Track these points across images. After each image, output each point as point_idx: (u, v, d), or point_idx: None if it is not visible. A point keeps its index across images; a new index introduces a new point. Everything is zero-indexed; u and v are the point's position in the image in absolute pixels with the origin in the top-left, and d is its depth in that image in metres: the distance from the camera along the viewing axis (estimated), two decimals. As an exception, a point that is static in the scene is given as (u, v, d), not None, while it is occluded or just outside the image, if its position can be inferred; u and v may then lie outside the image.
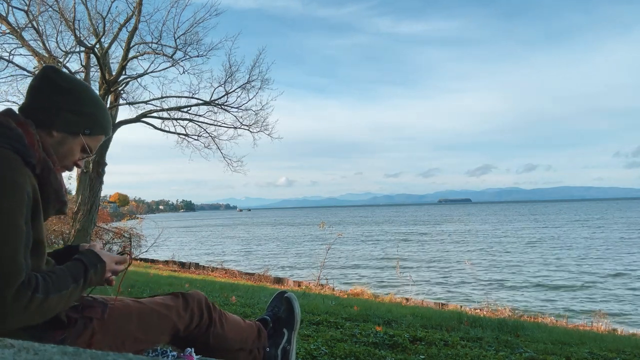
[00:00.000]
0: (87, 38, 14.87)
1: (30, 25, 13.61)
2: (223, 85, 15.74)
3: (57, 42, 14.41)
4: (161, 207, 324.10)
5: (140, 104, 15.86)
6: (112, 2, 14.43)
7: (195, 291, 1.62)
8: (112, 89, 14.86)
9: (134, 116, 15.62)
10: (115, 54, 15.61)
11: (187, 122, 16.22)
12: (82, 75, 14.90)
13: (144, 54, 15.42)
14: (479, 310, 9.32)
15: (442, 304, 10.27)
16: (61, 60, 14.44)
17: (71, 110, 1.35)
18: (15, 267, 1.12)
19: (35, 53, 13.88)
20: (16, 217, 1.14)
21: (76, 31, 14.03)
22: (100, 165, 14.30)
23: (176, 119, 16.11)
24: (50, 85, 1.35)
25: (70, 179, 17.29)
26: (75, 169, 1.46)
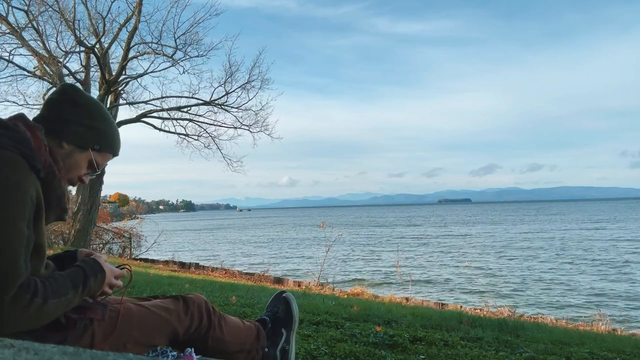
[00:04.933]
0: (87, 38, 14.88)
1: (30, 25, 13.61)
2: (223, 85, 15.78)
3: (57, 42, 14.42)
4: (161, 207, 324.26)
5: (140, 104, 15.88)
6: (112, 2, 14.46)
7: (196, 295, 1.63)
8: (112, 89, 14.86)
9: (134, 116, 15.62)
10: (115, 54, 15.63)
11: (187, 122, 16.25)
12: (82, 75, 14.90)
13: (144, 54, 15.43)
14: (479, 310, 9.31)
15: (442, 304, 10.26)
16: (61, 60, 14.44)
17: (83, 124, 1.39)
18: (15, 270, 1.12)
19: (35, 53, 13.88)
20: (18, 220, 1.15)
21: (76, 31, 14.04)
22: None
23: (176, 119, 16.13)
24: (66, 98, 1.40)
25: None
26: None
